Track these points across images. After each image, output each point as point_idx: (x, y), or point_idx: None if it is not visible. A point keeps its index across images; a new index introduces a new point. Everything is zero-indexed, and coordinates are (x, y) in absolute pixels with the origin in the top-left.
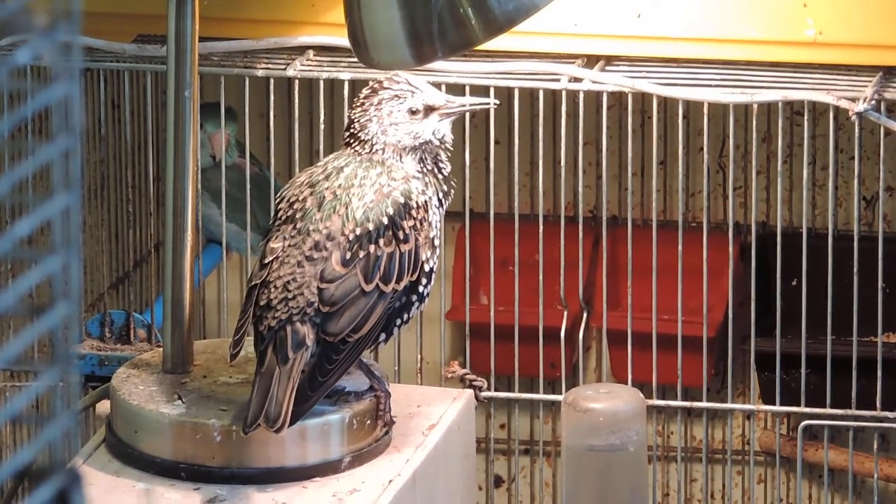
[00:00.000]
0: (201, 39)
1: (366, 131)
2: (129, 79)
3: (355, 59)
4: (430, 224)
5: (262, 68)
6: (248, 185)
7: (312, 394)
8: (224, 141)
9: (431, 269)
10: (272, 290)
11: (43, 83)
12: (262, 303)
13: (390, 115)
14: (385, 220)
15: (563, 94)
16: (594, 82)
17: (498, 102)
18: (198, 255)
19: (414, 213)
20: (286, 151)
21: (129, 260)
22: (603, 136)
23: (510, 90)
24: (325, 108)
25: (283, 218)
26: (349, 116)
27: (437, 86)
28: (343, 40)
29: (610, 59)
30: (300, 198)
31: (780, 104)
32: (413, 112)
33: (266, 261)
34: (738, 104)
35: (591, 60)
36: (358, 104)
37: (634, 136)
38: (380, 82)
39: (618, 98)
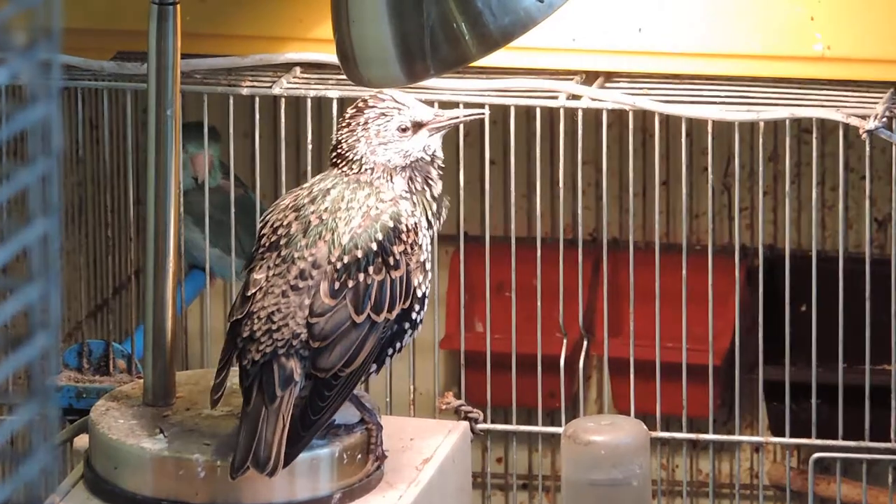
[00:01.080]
0: (183, 56)
1: (354, 151)
2: (109, 98)
3: (344, 77)
4: (420, 247)
5: (246, 86)
6: (233, 209)
7: (305, 433)
8: (207, 162)
9: (424, 295)
10: (255, 321)
11: (20, 103)
12: (244, 334)
13: (378, 135)
14: (374, 247)
15: (561, 111)
16: (593, 100)
17: (488, 112)
18: (180, 282)
19: (404, 236)
20: (272, 173)
21: (108, 287)
22: (603, 155)
23: (506, 108)
24: (312, 128)
25: (267, 245)
26: (336, 137)
27: (430, 104)
28: (331, 57)
29: (610, 76)
30: (284, 223)
31: (787, 122)
32: (402, 130)
33: (249, 293)
34: (744, 122)
35: (590, 77)
36: (344, 124)
37: (636, 155)
38: (365, 101)
39: (618, 116)
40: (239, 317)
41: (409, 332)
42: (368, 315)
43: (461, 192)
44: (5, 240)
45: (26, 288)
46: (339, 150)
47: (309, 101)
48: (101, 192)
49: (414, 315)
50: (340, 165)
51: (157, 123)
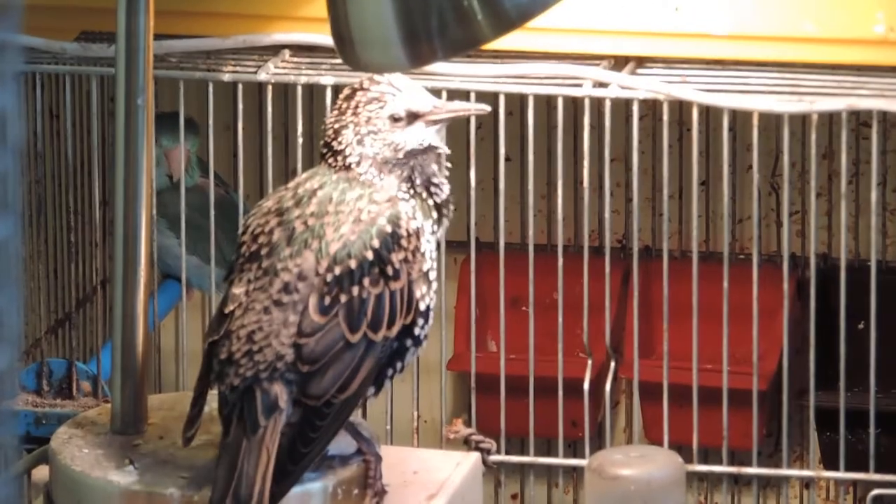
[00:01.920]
0: (156, 37)
1: (339, 140)
2: (71, 84)
3: (339, 61)
4: (423, 255)
5: (228, 72)
6: (212, 211)
7: (294, 467)
8: (184, 158)
9: (428, 308)
10: (234, 341)
11: None
12: (222, 356)
13: (368, 122)
14: (370, 255)
15: (586, 101)
16: (623, 87)
17: (488, 109)
18: (152, 294)
19: (404, 242)
20: (257, 170)
21: (70, 299)
22: (633, 151)
23: (523, 97)
24: (303, 119)
25: (247, 255)
26: (324, 122)
27: (437, 92)
28: (325, 38)
29: (642, 61)
30: (266, 229)
31: (844, 114)
32: (395, 119)
33: (227, 310)
34: (795, 114)
35: (619, 62)
36: (335, 108)
37: (671, 151)
38: (360, 83)
39: (651, 107)
40: (216, 337)
41: (412, 349)
42: (365, 334)
43: (472, 193)
44: None
45: None
46: (325, 138)
47: (299, 88)
48: (63, 192)
49: (417, 330)
50: (327, 156)
51: (126, 113)
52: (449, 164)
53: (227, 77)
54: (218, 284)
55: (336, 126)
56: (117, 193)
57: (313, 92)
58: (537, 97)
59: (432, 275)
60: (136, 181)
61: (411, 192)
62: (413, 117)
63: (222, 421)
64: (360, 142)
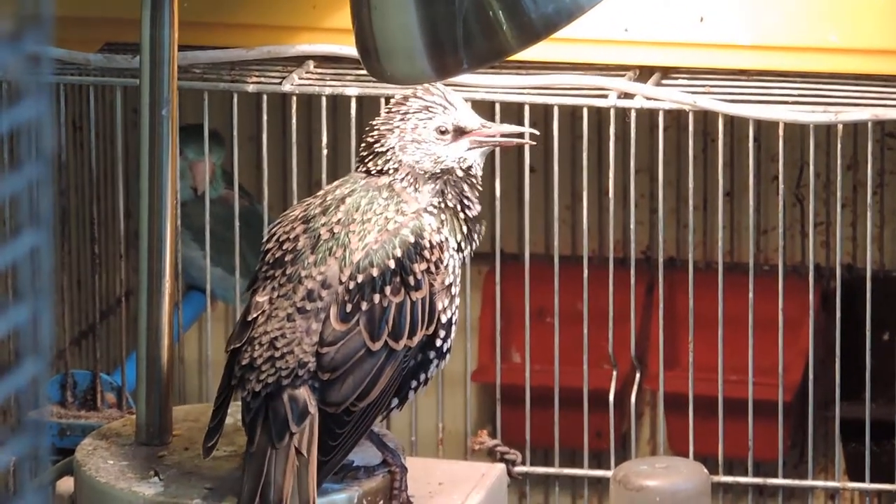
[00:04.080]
0: (181, 48)
1: (382, 143)
2: (95, 95)
3: (364, 72)
4: (446, 268)
5: (253, 83)
6: (237, 222)
7: (326, 459)
8: (208, 170)
9: (450, 321)
10: (256, 347)
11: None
12: (243, 362)
13: (415, 130)
14: (392, 264)
15: (612, 112)
16: (648, 98)
17: (537, 133)
18: (177, 305)
19: (427, 254)
20: (281, 181)
21: (94, 310)
22: (658, 162)
23: (548, 108)
24: (327, 130)
25: (271, 261)
26: (370, 124)
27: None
28: (350, 49)
29: (667, 71)
30: (291, 236)
31: (869, 124)
32: (441, 132)
33: (250, 317)
34: (820, 124)
35: (644, 73)
36: (385, 110)
37: (696, 162)
38: (413, 91)
39: (676, 117)
40: (238, 345)
41: (436, 361)
42: (386, 342)
43: (497, 204)
44: None
45: (14, 309)
46: (368, 139)
47: (323, 99)
48: (87, 203)
49: (439, 343)
50: (366, 160)
51: (150, 125)
52: (479, 186)
53: (251, 88)
54: (242, 295)
55: (382, 129)
56: (142, 205)
57: (337, 103)
58: (562, 108)
59: (455, 289)
60: (160, 192)
61: (442, 205)
62: (459, 133)
63: (246, 430)
64: (402, 148)
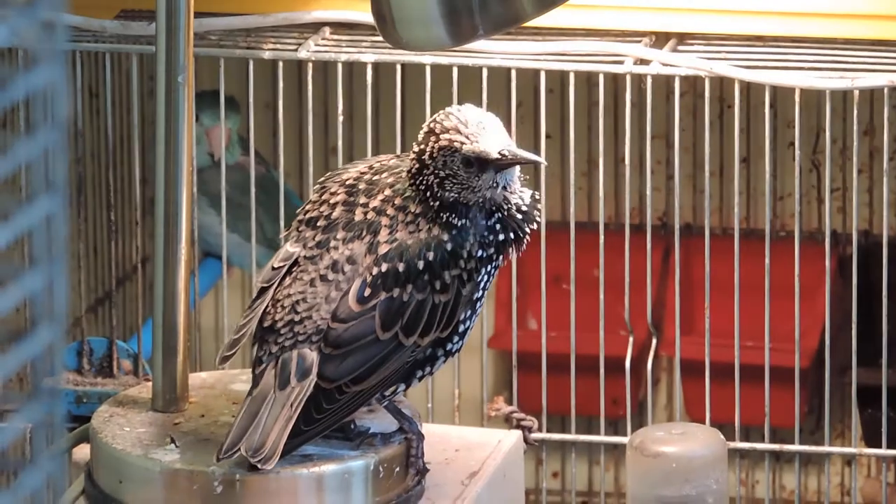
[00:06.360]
0: (196, 15)
1: (420, 181)
2: (111, 62)
3: (380, 38)
4: (477, 284)
5: (269, 49)
6: (253, 189)
7: (290, 441)
8: (224, 136)
9: (467, 329)
10: (279, 309)
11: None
12: (266, 324)
13: (445, 166)
14: (420, 265)
15: (628, 78)
16: (664, 65)
17: (545, 164)
18: (193, 272)
19: (462, 262)
20: (297, 148)
21: (110, 277)
22: (675, 128)
23: (564, 74)
24: (343, 97)
25: (307, 218)
26: (417, 146)
27: (478, 69)
28: (366, 16)
29: (683, 37)
30: (331, 202)
31: (885, 90)
32: (468, 164)
33: (276, 265)
34: (837, 90)
35: (660, 38)
36: (416, 144)
37: (712, 128)
38: (431, 126)
39: (692, 83)
40: (265, 284)
41: (442, 359)
42: (396, 334)
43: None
44: (5, 221)
45: (29, 275)
46: (412, 168)
47: (339, 66)
48: (103, 170)
49: (450, 346)
50: (418, 182)
51: (166, 92)
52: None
53: (267, 55)
54: (258, 262)
55: (416, 167)
56: (158, 171)
57: (353, 69)
58: (578, 74)
59: (479, 305)
60: (176, 159)
61: (492, 239)
62: (483, 164)
63: (253, 378)
64: (440, 184)
